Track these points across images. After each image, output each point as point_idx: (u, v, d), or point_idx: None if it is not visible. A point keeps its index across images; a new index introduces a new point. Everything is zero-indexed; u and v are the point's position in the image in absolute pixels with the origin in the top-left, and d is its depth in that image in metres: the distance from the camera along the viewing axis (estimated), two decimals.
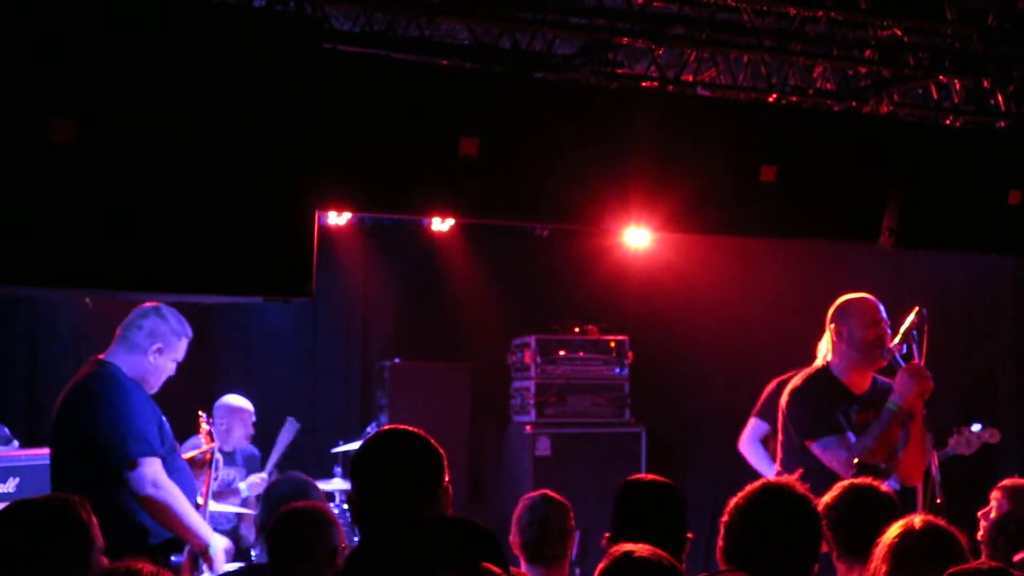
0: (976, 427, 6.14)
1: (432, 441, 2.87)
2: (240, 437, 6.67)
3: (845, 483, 3.69)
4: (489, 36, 5.25)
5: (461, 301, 8.58)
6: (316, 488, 4.38)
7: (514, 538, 4.08)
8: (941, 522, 3.19)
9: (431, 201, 5.07)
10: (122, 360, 4.56)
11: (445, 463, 2.85)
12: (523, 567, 4.02)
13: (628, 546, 3.03)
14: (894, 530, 3.14)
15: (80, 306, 7.11)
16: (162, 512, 4.37)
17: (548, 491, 4.21)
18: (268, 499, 4.35)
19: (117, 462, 4.33)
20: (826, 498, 3.58)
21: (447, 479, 2.84)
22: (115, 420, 4.38)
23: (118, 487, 4.34)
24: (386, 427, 2.97)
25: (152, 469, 4.36)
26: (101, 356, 4.60)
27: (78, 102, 3.81)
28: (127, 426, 4.38)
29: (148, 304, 4.69)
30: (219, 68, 4.03)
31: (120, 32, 3.90)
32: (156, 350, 4.60)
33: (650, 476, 3.81)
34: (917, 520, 3.16)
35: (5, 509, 3.07)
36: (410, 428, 2.93)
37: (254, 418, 6.74)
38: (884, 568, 3.07)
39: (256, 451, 6.94)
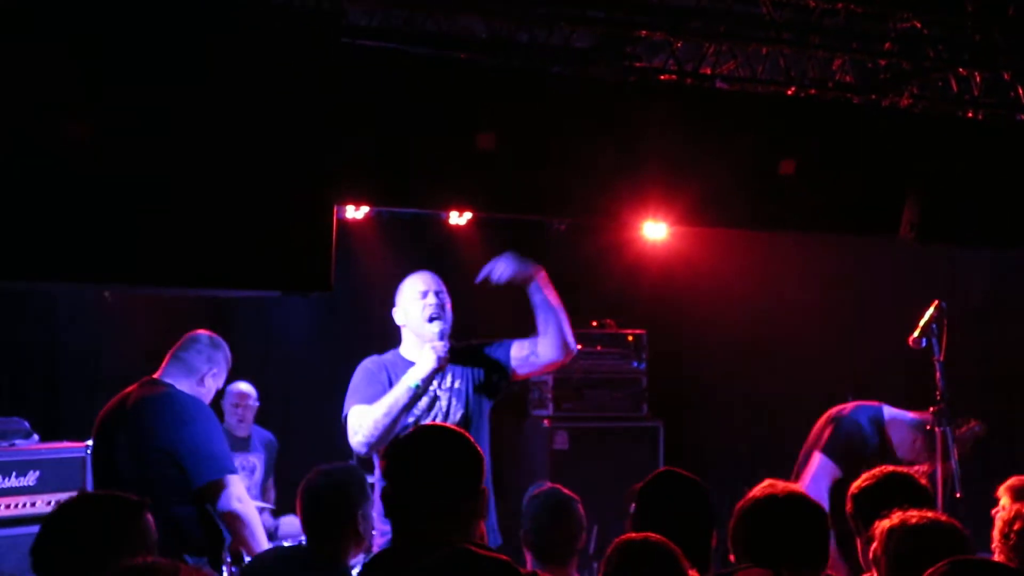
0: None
1: (472, 440, 2.81)
2: (236, 423, 6.74)
3: (883, 469, 3.71)
4: (506, 30, 5.24)
5: (478, 294, 8.57)
6: (357, 477, 4.27)
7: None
8: (943, 517, 3.22)
9: (448, 195, 5.08)
10: (179, 382, 4.64)
11: (484, 464, 2.81)
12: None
13: (632, 535, 3.02)
14: (891, 521, 3.16)
15: (99, 300, 7.13)
16: (243, 526, 4.46)
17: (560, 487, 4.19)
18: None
19: (207, 478, 4.43)
20: (859, 482, 3.64)
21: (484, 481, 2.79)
22: (204, 438, 4.49)
23: (193, 502, 4.47)
24: (426, 424, 2.89)
25: (238, 486, 4.49)
26: (156, 376, 4.67)
27: (96, 98, 3.82)
28: (216, 445, 4.51)
29: (200, 331, 4.80)
30: (236, 64, 4.04)
31: (137, 29, 3.91)
32: (212, 374, 4.70)
33: (677, 471, 3.67)
34: (913, 512, 3.18)
35: (78, 498, 3.09)
36: (449, 426, 2.87)
37: (256, 403, 6.85)
38: (883, 560, 3.11)
39: (271, 435, 7.01)
